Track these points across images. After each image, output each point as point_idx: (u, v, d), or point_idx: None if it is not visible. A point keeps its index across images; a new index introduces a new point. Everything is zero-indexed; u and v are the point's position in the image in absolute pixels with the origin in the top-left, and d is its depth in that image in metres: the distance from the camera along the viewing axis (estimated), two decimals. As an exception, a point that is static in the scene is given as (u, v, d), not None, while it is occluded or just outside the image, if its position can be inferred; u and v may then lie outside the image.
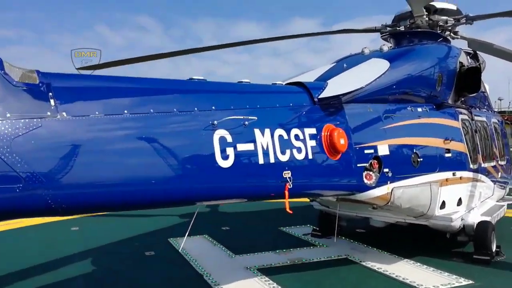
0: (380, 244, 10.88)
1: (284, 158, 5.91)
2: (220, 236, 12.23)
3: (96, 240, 11.90)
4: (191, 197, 4.95)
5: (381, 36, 11.19)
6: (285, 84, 7.33)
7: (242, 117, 5.38)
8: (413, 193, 8.31)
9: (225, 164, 5.08)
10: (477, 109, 11.97)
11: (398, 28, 11.07)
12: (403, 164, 8.18)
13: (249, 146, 5.44)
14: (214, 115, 5.12)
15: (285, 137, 6.02)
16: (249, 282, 8.40)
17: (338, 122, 7.11)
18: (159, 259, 10.28)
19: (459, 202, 9.58)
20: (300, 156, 6.18)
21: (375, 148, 7.67)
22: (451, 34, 11.65)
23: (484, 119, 11.97)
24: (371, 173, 7.58)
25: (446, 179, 9.03)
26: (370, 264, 9.35)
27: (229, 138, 5.19)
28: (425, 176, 8.53)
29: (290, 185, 5.87)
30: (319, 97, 6.95)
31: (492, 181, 11.86)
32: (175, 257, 10.23)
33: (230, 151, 5.16)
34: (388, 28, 11.27)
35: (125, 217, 14.24)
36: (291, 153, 6.04)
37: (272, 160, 5.72)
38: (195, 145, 4.84)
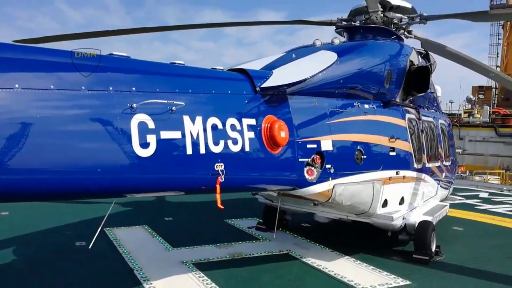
0: (323, 239, 10.76)
1: (216, 149, 5.50)
2: (161, 227, 11.72)
3: (25, 227, 11.08)
4: (103, 189, 4.42)
5: (335, 30, 10.97)
6: (227, 70, 6.90)
7: (166, 101, 4.90)
8: (355, 190, 8.15)
9: (145, 153, 4.60)
10: (425, 109, 12.04)
11: (353, 23, 10.88)
12: (346, 160, 7.99)
13: (175, 134, 4.98)
14: (133, 97, 4.60)
15: (220, 126, 5.61)
16: (182, 278, 7.97)
17: (280, 114, 6.78)
18: (90, 250, 9.62)
19: (402, 201, 9.56)
20: (235, 148, 5.79)
21: (318, 143, 7.41)
22: (405, 33, 11.60)
23: (431, 119, 12.06)
24: (312, 168, 7.32)
25: (389, 178, 8.95)
26: (310, 260, 9.17)
27: (151, 124, 4.70)
28: (368, 173, 8.40)
29: (222, 179, 5.48)
30: (262, 86, 6.58)
31: (436, 181, 12.02)
32: (107, 249, 9.62)
33: (151, 138, 4.67)
34: (344, 23, 11.07)
35: (63, 204, 13.42)
36: (225, 144, 5.64)
37: (202, 150, 5.29)
38: (107, 130, 4.30)
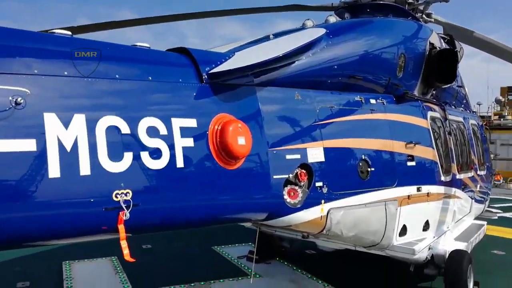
0: (329, 273, 8.57)
1: (117, 167, 3.45)
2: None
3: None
4: None
5: (335, 12, 8.81)
6: (166, 50, 4.88)
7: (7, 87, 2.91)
8: (359, 216, 5.96)
9: None
10: (453, 107, 9.73)
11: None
12: (346, 175, 5.83)
13: (26, 145, 2.96)
14: None
15: (124, 130, 3.57)
16: None
17: (241, 112, 4.71)
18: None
19: (426, 226, 7.29)
20: (155, 164, 3.74)
21: (303, 152, 5.30)
22: (424, 16, 9.41)
23: (460, 119, 9.74)
24: (296, 188, 5.20)
25: (408, 196, 6.71)
26: (308, 307, 6.97)
27: None
28: (378, 192, 6.20)
29: (126, 215, 3.43)
30: (211, 72, 4.53)
31: (470, 195, 9.64)
32: (52, 292, 7.70)
33: None
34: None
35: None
36: (136, 159, 3.60)
37: (86, 170, 3.25)
38: None
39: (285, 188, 5.13)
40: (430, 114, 7.68)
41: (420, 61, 7.44)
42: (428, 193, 7.15)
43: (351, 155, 5.92)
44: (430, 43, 7.73)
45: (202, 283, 8.11)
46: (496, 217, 12.32)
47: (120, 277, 8.47)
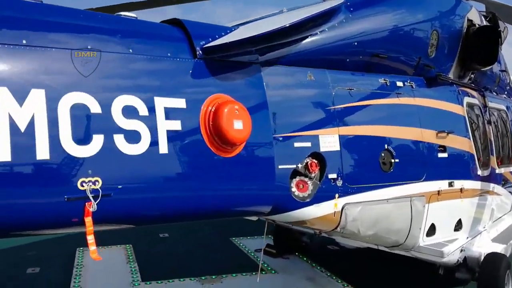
0: (351, 272, 7.96)
1: (84, 151, 3.00)
2: (147, 248, 9.44)
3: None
4: None
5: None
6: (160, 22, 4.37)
7: None
8: (380, 212, 5.31)
9: None
10: (494, 93, 8.76)
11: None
12: (365, 167, 5.20)
13: None
14: None
15: (94, 109, 3.11)
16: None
17: (242, 93, 4.17)
18: (40, 279, 7.59)
19: (458, 225, 6.52)
20: (132, 150, 3.26)
21: (315, 139, 4.71)
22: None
23: (503, 107, 8.77)
24: (305, 180, 4.63)
25: (438, 192, 5.98)
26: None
27: None
28: (403, 186, 5.52)
29: (93, 207, 2.98)
30: (206, 46, 3.99)
31: (510, 191, 8.70)
32: (60, 278, 7.53)
33: None
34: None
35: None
36: (108, 143, 3.13)
37: (44, 154, 2.81)
38: None
39: (293, 179, 4.58)
40: (467, 100, 6.84)
41: (456, 40, 6.59)
42: (461, 188, 6.37)
43: (371, 144, 5.26)
44: (468, 19, 6.85)
45: (214, 276, 7.69)
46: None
47: (131, 266, 8.19)
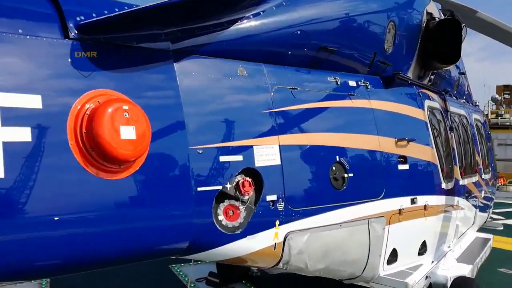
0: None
1: None
2: (66, 282, 7.98)
3: None
4: None
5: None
6: None
7: None
8: (332, 240, 4.32)
9: None
10: (454, 97, 8.10)
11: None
12: (313, 184, 4.19)
13: None
14: None
15: None
16: None
17: (141, 90, 3.05)
18: None
19: (423, 248, 5.65)
20: None
21: (247, 152, 3.67)
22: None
23: (463, 112, 8.11)
24: (236, 204, 3.55)
25: (400, 211, 5.07)
26: None
27: None
28: (359, 206, 4.56)
29: None
30: (84, 22, 2.84)
31: (474, 203, 8.03)
32: None
33: None
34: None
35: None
36: None
37: None
38: None
39: (220, 205, 3.49)
40: (427, 103, 6.03)
41: (415, 34, 5.78)
42: (425, 205, 5.50)
43: (320, 155, 4.26)
44: (427, 12, 6.08)
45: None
46: (502, 228, 10.74)
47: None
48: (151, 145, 2.93)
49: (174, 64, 3.36)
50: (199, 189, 3.29)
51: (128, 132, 2.66)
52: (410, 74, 5.86)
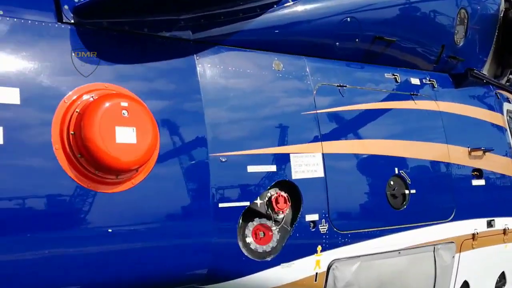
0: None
1: None
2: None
3: None
4: None
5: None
6: None
7: None
8: (389, 272, 3.56)
9: None
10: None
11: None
12: (365, 201, 3.47)
13: None
14: None
15: None
16: None
17: (156, 85, 2.55)
18: None
19: (501, 280, 4.69)
20: None
21: (282, 161, 3.04)
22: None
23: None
24: (268, 224, 2.94)
25: (473, 236, 4.19)
26: None
27: None
28: (423, 230, 3.79)
29: None
30: (80, 5, 2.37)
31: None
32: None
33: None
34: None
35: None
36: None
37: None
38: None
39: (248, 224, 2.90)
40: (507, 106, 5.06)
41: (491, 25, 4.86)
42: (505, 229, 4.55)
43: (375, 167, 3.54)
44: (507, 1, 5.13)
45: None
46: None
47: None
48: (161, 151, 2.39)
49: (195, 56, 2.83)
50: (221, 205, 2.71)
51: (126, 135, 2.14)
52: (485, 71, 4.93)
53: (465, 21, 4.42)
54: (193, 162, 2.62)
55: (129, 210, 2.32)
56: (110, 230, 2.25)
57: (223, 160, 2.76)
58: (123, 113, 2.16)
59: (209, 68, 2.87)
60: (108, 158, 2.08)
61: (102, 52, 2.38)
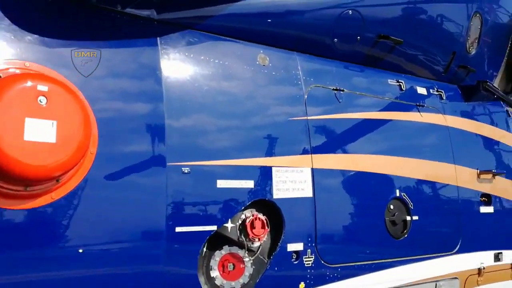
0: None
1: None
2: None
3: None
4: None
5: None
6: None
7: None
8: None
9: None
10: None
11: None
12: (360, 229, 2.90)
13: None
14: None
15: None
16: None
17: (101, 69, 1.94)
18: None
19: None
20: None
21: (261, 175, 2.45)
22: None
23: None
24: (239, 254, 2.36)
25: (479, 271, 3.64)
26: None
27: None
28: (424, 264, 3.22)
29: None
30: None
31: None
32: None
33: None
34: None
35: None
36: None
37: None
38: None
39: (214, 254, 2.30)
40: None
41: (504, 36, 4.37)
42: None
43: (372, 188, 2.98)
44: None
45: None
46: None
47: None
48: (98, 155, 1.80)
49: (159, 39, 2.25)
50: (178, 229, 2.12)
51: (41, 130, 1.55)
52: (496, 83, 4.43)
53: (479, 27, 3.92)
54: (144, 171, 2.03)
55: (45, 233, 1.71)
56: (13, 260, 1.65)
57: (186, 170, 2.18)
58: (39, 101, 1.57)
59: (175, 55, 2.30)
60: (9, 162, 1.49)
61: (27, 24, 1.80)
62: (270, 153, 2.50)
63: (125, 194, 1.95)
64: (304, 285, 2.55)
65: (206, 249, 2.31)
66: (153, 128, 2.09)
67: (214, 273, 2.32)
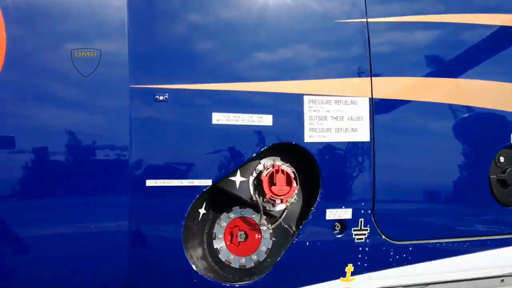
0: None
1: None
2: None
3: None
4: None
5: None
6: None
7: None
8: None
9: None
10: None
11: None
12: (447, 190, 1.94)
13: None
14: None
15: None
16: None
17: None
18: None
19: None
20: None
21: (288, 106, 1.66)
22: None
23: None
24: (253, 220, 1.62)
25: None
26: None
27: None
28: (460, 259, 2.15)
29: None
30: None
31: None
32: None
33: None
34: None
35: None
36: None
37: None
38: None
39: (218, 218, 1.60)
40: None
41: None
42: None
43: (470, 130, 1.96)
44: None
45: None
46: None
47: None
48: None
49: None
50: (149, 182, 1.44)
51: None
52: None
53: None
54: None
55: None
56: None
57: (161, 98, 1.46)
58: None
59: None
60: None
61: None
62: (300, 73, 1.65)
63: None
64: (353, 268, 1.75)
65: (208, 210, 1.62)
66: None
67: (219, 244, 1.63)
